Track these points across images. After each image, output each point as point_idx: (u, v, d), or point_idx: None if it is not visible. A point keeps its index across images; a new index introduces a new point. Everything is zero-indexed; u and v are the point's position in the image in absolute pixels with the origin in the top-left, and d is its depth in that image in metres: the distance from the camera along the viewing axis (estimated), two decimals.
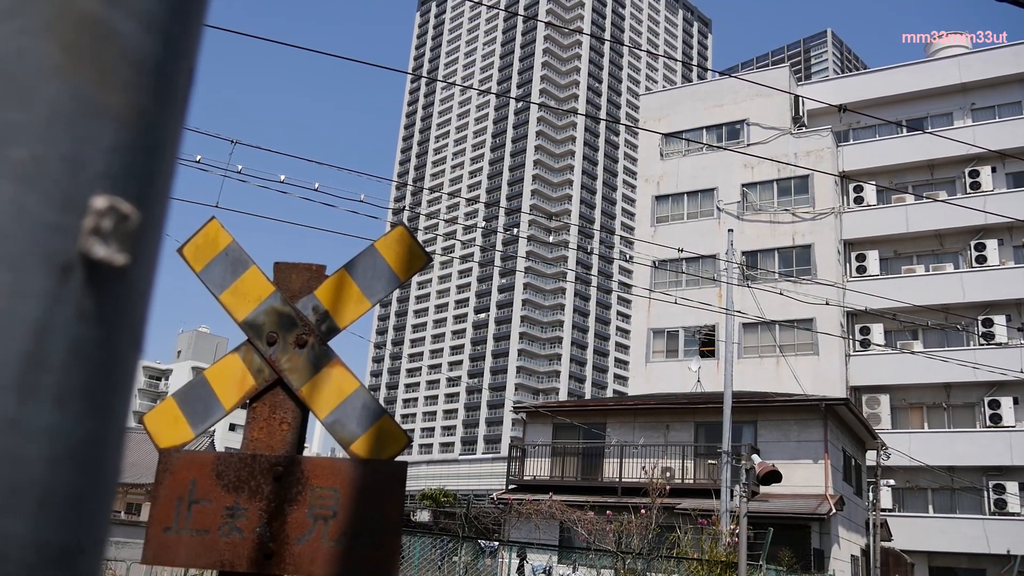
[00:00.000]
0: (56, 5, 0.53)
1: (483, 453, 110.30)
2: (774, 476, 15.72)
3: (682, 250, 24.25)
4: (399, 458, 2.63)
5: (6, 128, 0.51)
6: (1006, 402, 32.93)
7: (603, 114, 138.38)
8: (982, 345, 33.55)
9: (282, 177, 15.13)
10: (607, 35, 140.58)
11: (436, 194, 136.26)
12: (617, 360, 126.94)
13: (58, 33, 0.53)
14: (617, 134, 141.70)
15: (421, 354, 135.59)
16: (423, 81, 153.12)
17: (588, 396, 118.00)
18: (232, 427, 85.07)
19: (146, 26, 0.56)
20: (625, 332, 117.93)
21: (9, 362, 0.50)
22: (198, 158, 13.96)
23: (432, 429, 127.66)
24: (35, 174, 0.52)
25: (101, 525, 0.56)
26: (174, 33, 0.59)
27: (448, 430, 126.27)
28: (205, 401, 2.69)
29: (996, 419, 33.01)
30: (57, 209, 0.52)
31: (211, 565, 2.46)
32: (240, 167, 14.54)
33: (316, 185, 15.40)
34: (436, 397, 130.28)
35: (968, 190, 35.76)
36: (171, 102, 0.60)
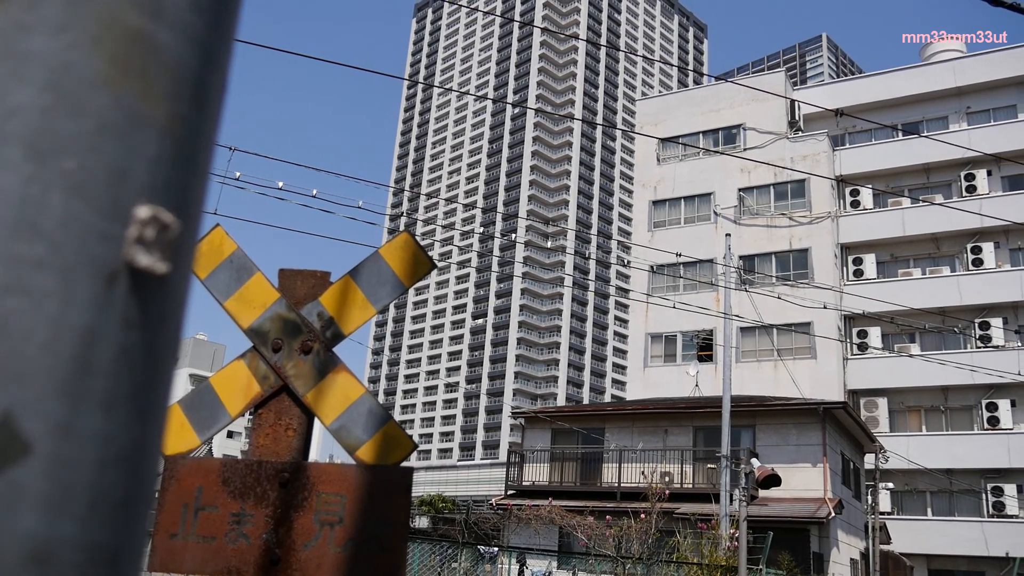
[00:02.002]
0: (103, 19, 0.54)
1: (481, 459, 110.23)
2: (773, 480, 15.73)
3: (680, 255, 24.31)
4: (405, 464, 2.64)
5: (57, 139, 0.52)
6: (1004, 404, 32.97)
7: (599, 119, 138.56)
8: (979, 348, 33.60)
9: (280, 184, 15.15)
10: (603, 40, 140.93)
11: (433, 199, 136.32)
12: (615, 365, 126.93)
13: (106, 46, 0.54)
14: (614, 139, 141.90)
15: (419, 360, 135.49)
16: (420, 87, 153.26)
17: (586, 401, 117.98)
18: (230, 434, 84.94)
19: (186, 39, 0.58)
20: (623, 337, 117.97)
21: (60, 368, 0.51)
22: None
23: (430, 435, 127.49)
24: (84, 184, 0.53)
25: (143, 528, 0.57)
26: (211, 45, 0.61)
27: (446, 436, 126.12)
28: (211, 408, 2.69)
29: (994, 421, 33.05)
30: (104, 218, 0.54)
31: (218, 572, 2.47)
32: (238, 174, 14.55)
33: (314, 192, 15.42)
34: (434, 403, 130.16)
35: (964, 193, 35.86)
36: (208, 112, 0.61)
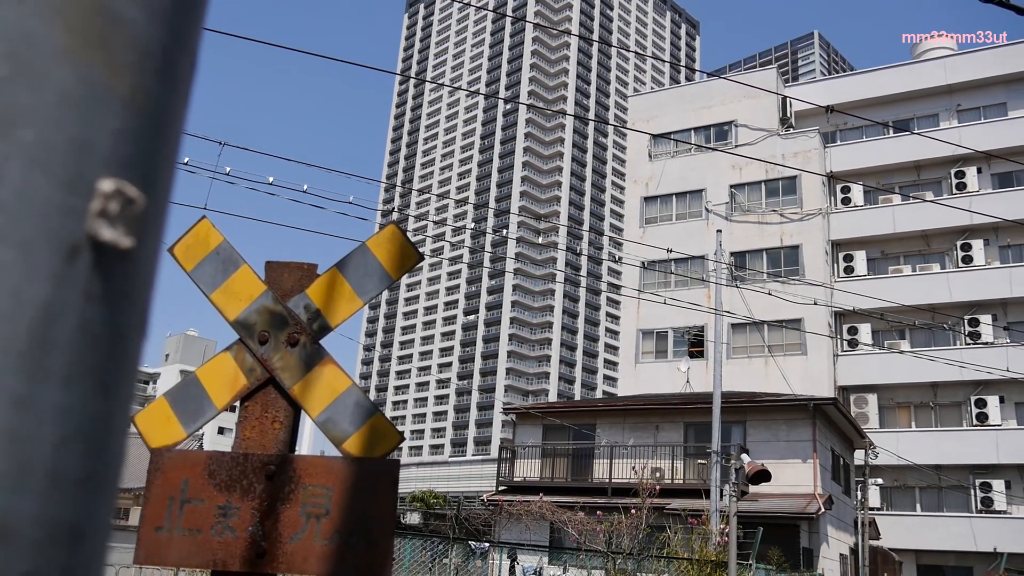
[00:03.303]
0: None
1: (473, 455, 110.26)
2: (763, 475, 15.77)
3: (671, 251, 24.36)
4: (392, 456, 2.63)
5: (16, 110, 0.51)
6: (992, 401, 33.14)
7: (591, 115, 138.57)
8: (968, 344, 33.76)
9: (271, 179, 15.10)
10: (595, 36, 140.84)
11: (425, 195, 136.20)
12: (606, 361, 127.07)
13: (66, 17, 0.53)
14: (605, 135, 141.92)
15: (410, 356, 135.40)
16: (411, 82, 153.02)
17: (577, 397, 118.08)
18: (221, 430, 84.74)
19: (151, 13, 0.57)
20: (614, 333, 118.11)
21: (18, 342, 0.50)
22: (186, 160, 13.92)
23: (422, 431, 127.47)
24: (43, 156, 0.52)
25: (108, 505, 0.56)
26: (178, 21, 0.60)
27: (438, 432, 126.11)
28: (197, 400, 2.68)
29: (982, 418, 33.22)
30: (65, 191, 0.53)
31: (203, 564, 2.46)
32: (228, 169, 14.51)
33: (305, 187, 15.38)
34: (425, 399, 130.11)
35: (954, 190, 35.99)
36: (175, 88, 0.60)
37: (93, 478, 0.54)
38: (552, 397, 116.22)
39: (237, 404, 2.73)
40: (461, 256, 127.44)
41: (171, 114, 0.60)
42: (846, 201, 37.42)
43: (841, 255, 37.05)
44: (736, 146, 36.83)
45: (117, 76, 0.55)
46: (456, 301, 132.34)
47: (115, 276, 0.55)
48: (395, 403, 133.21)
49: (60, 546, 0.51)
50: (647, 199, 39.06)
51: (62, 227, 0.52)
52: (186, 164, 13.95)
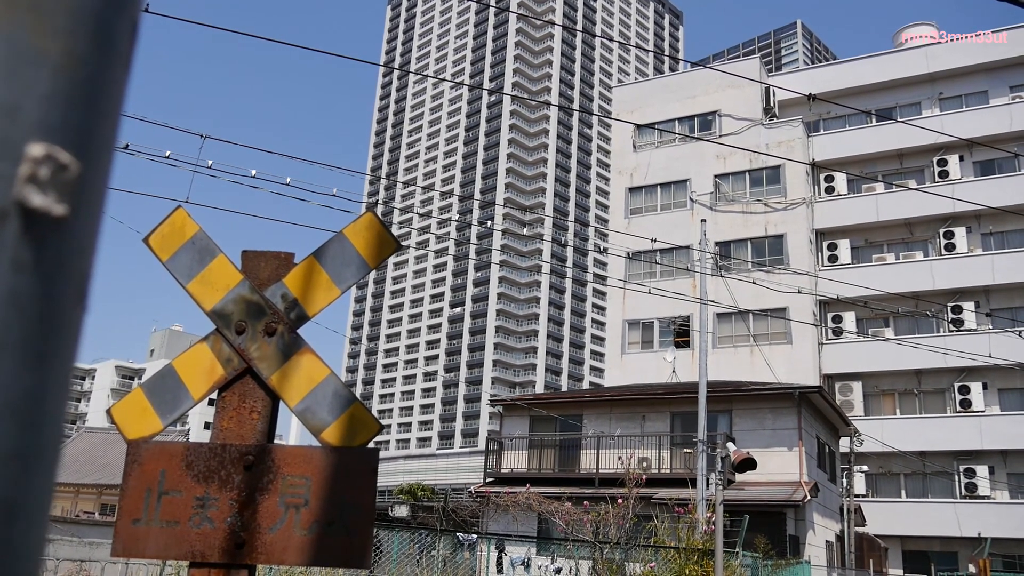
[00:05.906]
0: None
1: (460, 447, 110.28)
2: (749, 464, 15.82)
3: (655, 240, 24.37)
4: (371, 445, 2.62)
5: None
6: (976, 387, 33.41)
7: (576, 106, 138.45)
8: (952, 331, 34.00)
9: (253, 172, 14.98)
10: (579, 26, 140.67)
11: (410, 188, 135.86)
12: (593, 352, 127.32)
13: None
14: (590, 126, 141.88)
15: (397, 349, 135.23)
16: (395, 74, 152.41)
17: (564, 388, 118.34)
18: (207, 425, 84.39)
19: None
20: (601, 324, 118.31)
21: None
22: (168, 153, 13.80)
23: (409, 424, 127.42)
24: None
25: (45, 481, 0.54)
26: None
27: (425, 424, 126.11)
28: (173, 391, 2.65)
29: (966, 404, 33.49)
30: None
31: (182, 556, 2.44)
32: (210, 162, 14.38)
33: (288, 180, 15.27)
34: (413, 392, 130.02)
35: (937, 179, 36.19)
36: (112, 54, 0.58)
37: (25, 453, 0.52)
38: (539, 388, 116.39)
39: (215, 395, 2.71)
40: (447, 248, 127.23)
41: (108, 80, 0.58)
42: (830, 190, 37.58)
43: (825, 244, 37.22)
44: (720, 136, 36.91)
45: (46, 39, 0.52)
46: (442, 293, 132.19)
47: (48, 245, 0.53)
48: (382, 396, 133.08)
49: None
50: (632, 189, 39.10)
51: None
52: (167, 157, 13.84)
